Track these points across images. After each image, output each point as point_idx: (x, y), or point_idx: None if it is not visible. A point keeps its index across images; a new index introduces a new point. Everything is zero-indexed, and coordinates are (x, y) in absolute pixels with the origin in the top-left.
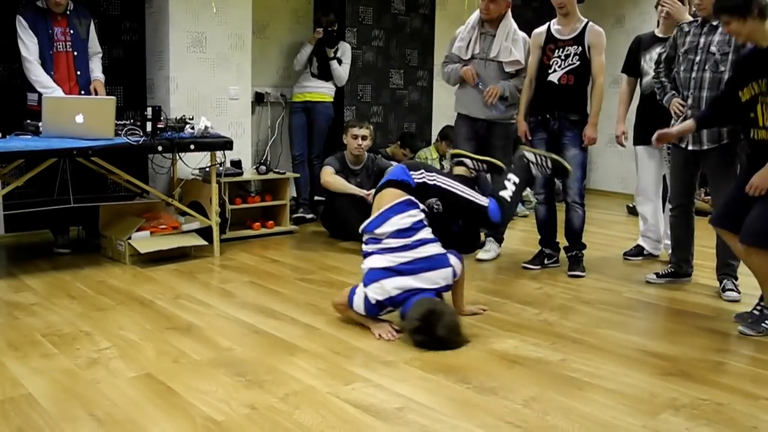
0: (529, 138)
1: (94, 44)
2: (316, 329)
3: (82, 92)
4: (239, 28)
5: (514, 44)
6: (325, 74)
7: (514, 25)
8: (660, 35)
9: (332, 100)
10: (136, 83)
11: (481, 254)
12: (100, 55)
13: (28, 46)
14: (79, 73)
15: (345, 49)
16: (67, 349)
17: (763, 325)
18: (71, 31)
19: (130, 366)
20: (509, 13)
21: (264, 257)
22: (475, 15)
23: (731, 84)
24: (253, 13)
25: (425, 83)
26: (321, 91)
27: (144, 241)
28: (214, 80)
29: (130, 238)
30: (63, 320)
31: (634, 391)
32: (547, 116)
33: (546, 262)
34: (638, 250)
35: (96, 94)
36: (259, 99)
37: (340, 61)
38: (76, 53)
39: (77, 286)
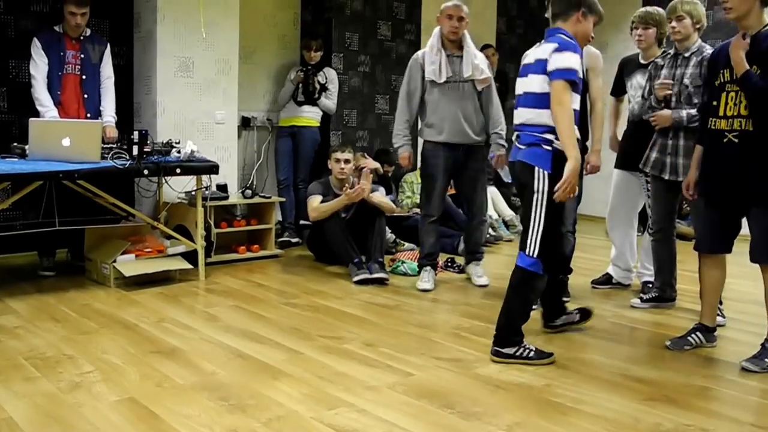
0: None
1: (106, 69)
2: (300, 354)
3: (89, 115)
4: (226, 53)
5: (482, 62)
6: (312, 99)
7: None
8: (643, 61)
9: (318, 125)
10: (123, 107)
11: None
12: (112, 79)
13: (38, 65)
14: (86, 96)
15: (331, 77)
16: (50, 372)
17: (766, 360)
18: (82, 56)
19: (113, 390)
20: (466, 31)
21: (249, 281)
22: (436, 37)
23: (709, 87)
24: (241, 39)
25: None
26: (307, 116)
27: (129, 264)
28: (201, 105)
29: (115, 261)
30: (46, 343)
31: (617, 416)
32: None
33: None
34: (606, 278)
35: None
36: (245, 123)
37: (326, 89)
38: (84, 77)
39: (61, 309)
